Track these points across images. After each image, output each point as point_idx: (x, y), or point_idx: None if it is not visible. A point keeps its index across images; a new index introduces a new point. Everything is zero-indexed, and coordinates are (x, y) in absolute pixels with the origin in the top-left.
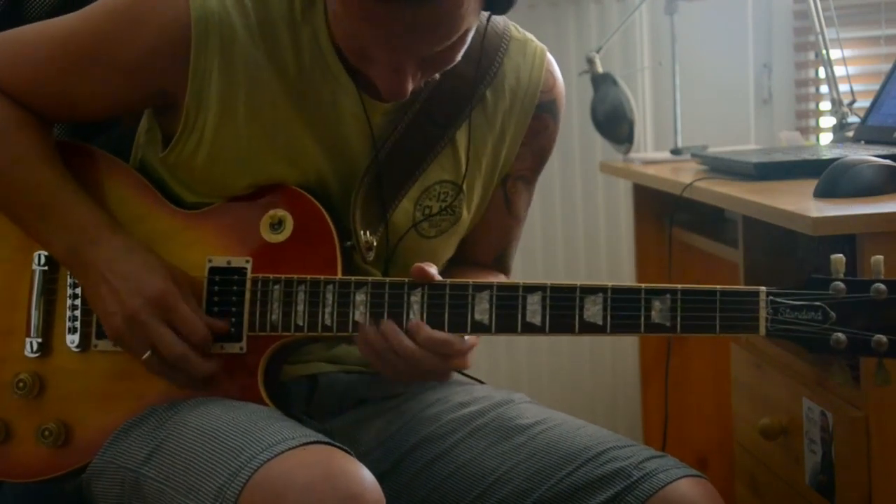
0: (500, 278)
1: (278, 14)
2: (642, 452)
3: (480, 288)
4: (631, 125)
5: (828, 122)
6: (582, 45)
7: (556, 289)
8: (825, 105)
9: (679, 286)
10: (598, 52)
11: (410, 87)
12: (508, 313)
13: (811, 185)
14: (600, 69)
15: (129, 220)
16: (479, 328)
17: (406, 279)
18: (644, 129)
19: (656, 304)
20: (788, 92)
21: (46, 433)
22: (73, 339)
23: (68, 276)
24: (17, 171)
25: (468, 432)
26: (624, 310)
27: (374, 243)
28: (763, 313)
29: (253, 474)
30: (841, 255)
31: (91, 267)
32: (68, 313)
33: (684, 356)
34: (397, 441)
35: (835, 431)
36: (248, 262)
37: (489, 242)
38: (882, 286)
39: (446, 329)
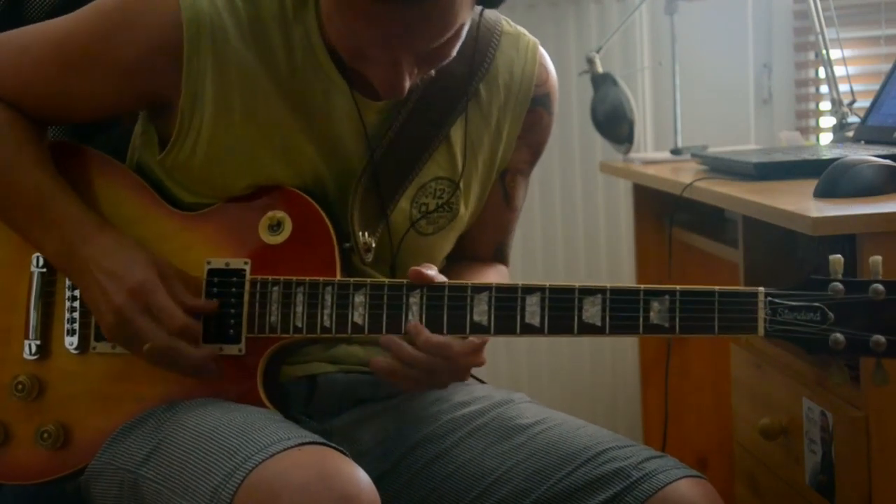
0: (502, 270)
1: (269, 14)
2: (642, 453)
3: (479, 289)
4: (631, 125)
5: (828, 122)
6: (582, 45)
7: (554, 290)
8: (825, 105)
9: (678, 287)
10: (598, 52)
11: (408, 84)
12: (507, 314)
13: (811, 185)
14: (600, 69)
15: (126, 221)
16: (478, 329)
17: (405, 280)
18: (644, 129)
19: (655, 305)
20: (788, 92)
21: (45, 435)
22: (71, 341)
23: (66, 279)
24: (8, 173)
25: (467, 432)
26: (623, 311)
27: (373, 244)
28: (762, 314)
29: (248, 475)
30: (839, 255)
31: (82, 266)
32: (67, 315)
33: (684, 356)
34: (397, 441)
35: (835, 431)
36: (246, 263)
37: (489, 236)
38: (880, 287)
39: (445, 331)
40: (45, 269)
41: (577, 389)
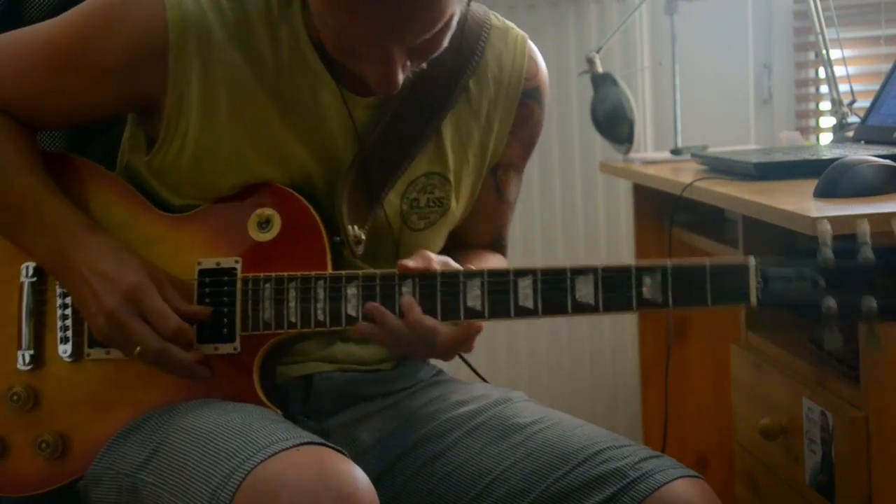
0: (499, 257)
1: (255, 13)
2: (639, 452)
3: (471, 275)
4: (631, 125)
5: (828, 122)
6: (582, 45)
7: (546, 271)
8: (825, 105)
9: (669, 261)
10: (598, 52)
11: (401, 78)
12: (500, 298)
13: (811, 185)
14: (600, 69)
15: (115, 226)
16: (473, 314)
17: (397, 271)
18: (644, 129)
19: (647, 280)
20: (788, 92)
21: (44, 445)
22: (65, 350)
23: (57, 287)
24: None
25: (465, 431)
26: (615, 288)
27: (363, 237)
28: (753, 283)
29: (246, 476)
30: (826, 220)
31: (73, 270)
32: (59, 323)
33: (684, 356)
34: (395, 440)
35: (835, 431)
36: (237, 262)
37: (483, 229)
38: (869, 250)
39: (440, 318)
40: (35, 279)
41: (577, 389)
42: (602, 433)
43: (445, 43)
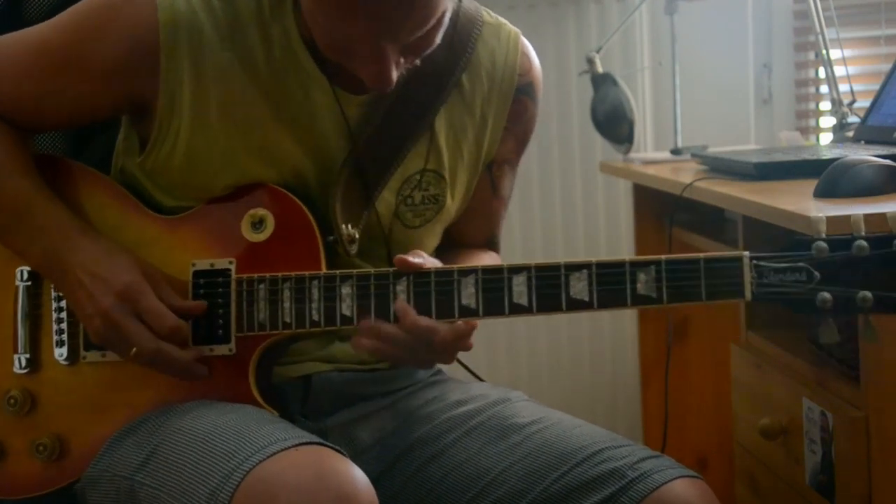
0: (494, 257)
1: (247, 13)
2: (637, 452)
3: (465, 273)
4: (631, 125)
5: (828, 122)
6: (582, 45)
7: (540, 268)
8: (825, 105)
9: (663, 257)
10: (598, 52)
11: (395, 75)
12: (495, 296)
13: (811, 185)
14: (600, 69)
15: (109, 229)
16: (467, 313)
17: (391, 269)
18: (644, 129)
19: (641, 276)
20: (788, 92)
21: (41, 448)
22: (61, 353)
23: (52, 290)
24: None
25: (464, 431)
26: (609, 284)
27: (357, 236)
28: (748, 278)
29: (245, 476)
30: (822, 216)
31: (67, 272)
32: (55, 327)
33: (684, 356)
34: (394, 440)
35: (835, 431)
36: (231, 263)
37: (478, 227)
38: (864, 243)
39: (434, 316)
40: (29, 283)
41: (577, 389)
42: (601, 433)
43: (438, 39)
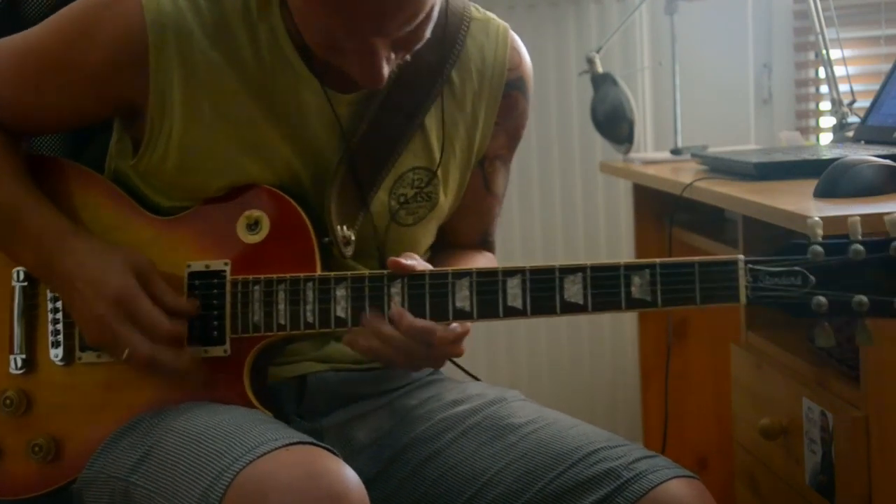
0: (489, 257)
1: (233, 13)
2: (633, 452)
3: (460, 275)
4: (631, 125)
5: (828, 122)
6: (582, 45)
7: (535, 271)
8: (825, 105)
9: (657, 260)
10: (598, 52)
11: (387, 71)
12: (489, 299)
13: (811, 185)
14: (600, 69)
15: (104, 230)
16: (461, 315)
17: (385, 271)
18: (644, 129)
19: (636, 279)
20: (788, 92)
21: (37, 448)
22: (56, 353)
23: (48, 291)
24: None
25: (460, 432)
26: (604, 287)
27: (353, 238)
28: (742, 282)
29: (236, 476)
30: (818, 218)
31: (61, 277)
32: (50, 327)
33: (684, 356)
34: (390, 440)
35: (835, 431)
36: (226, 264)
37: (472, 224)
38: (859, 247)
39: (428, 319)
40: (25, 283)
41: (577, 389)
42: (597, 433)
43: (428, 34)
